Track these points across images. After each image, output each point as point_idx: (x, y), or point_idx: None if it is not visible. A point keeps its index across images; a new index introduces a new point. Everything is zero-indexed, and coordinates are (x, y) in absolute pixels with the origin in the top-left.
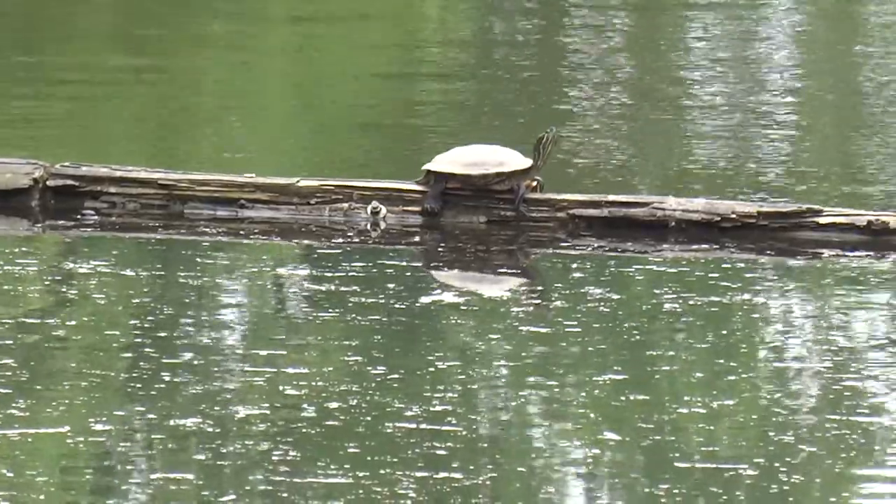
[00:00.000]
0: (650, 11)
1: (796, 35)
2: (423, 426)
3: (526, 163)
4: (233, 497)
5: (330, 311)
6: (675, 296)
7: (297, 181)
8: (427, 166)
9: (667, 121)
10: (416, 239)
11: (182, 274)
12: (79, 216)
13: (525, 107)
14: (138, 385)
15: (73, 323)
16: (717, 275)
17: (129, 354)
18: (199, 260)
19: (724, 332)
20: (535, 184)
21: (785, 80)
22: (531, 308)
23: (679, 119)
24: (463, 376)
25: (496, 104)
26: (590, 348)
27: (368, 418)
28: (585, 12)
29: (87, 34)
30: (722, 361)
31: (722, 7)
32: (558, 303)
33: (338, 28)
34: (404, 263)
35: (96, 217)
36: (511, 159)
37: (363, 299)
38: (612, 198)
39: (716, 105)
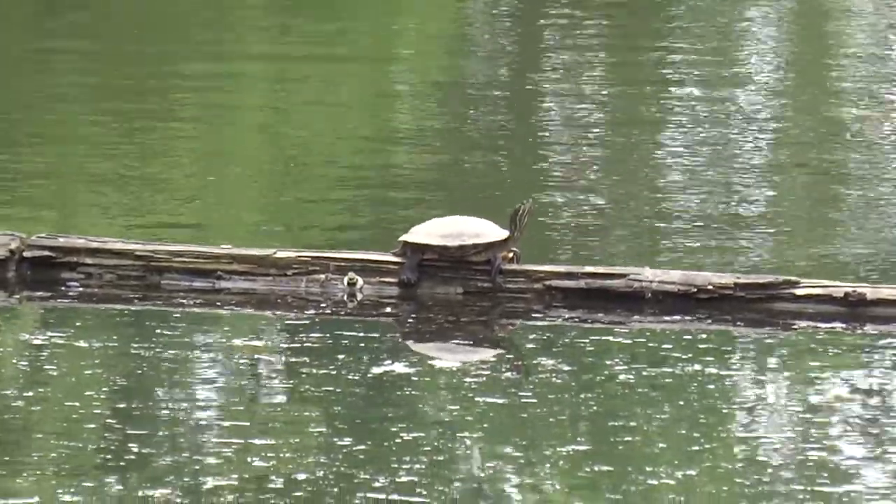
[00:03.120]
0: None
1: (772, 90)
2: (392, 496)
3: (503, 234)
4: None
5: (293, 382)
6: (640, 366)
7: (274, 252)
8: (404, 238)
9: (643, 188)
10: (389, 310)
11: (152, 345)
12: (63, 287)
13: (502, 177)
14: (108, 456)
15: (40, 394)
16: (684, 346)
17: (97, 426)
18: (169, 332)
19: (684, 402)
20: (511, 255)
21: (761, 141)
22: (487, 378)
23: (655, 182)
24: (428, 447)
25: (473, 174)
26: (550, 419)
27: (336, 490)
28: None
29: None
30: (684, 433)
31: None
32: (513, 374)
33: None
34: (373, 335)
35: (80, 288)
36: (488, 231)
37: (327, 370)
38: (588, 269)
39: (693, 169)
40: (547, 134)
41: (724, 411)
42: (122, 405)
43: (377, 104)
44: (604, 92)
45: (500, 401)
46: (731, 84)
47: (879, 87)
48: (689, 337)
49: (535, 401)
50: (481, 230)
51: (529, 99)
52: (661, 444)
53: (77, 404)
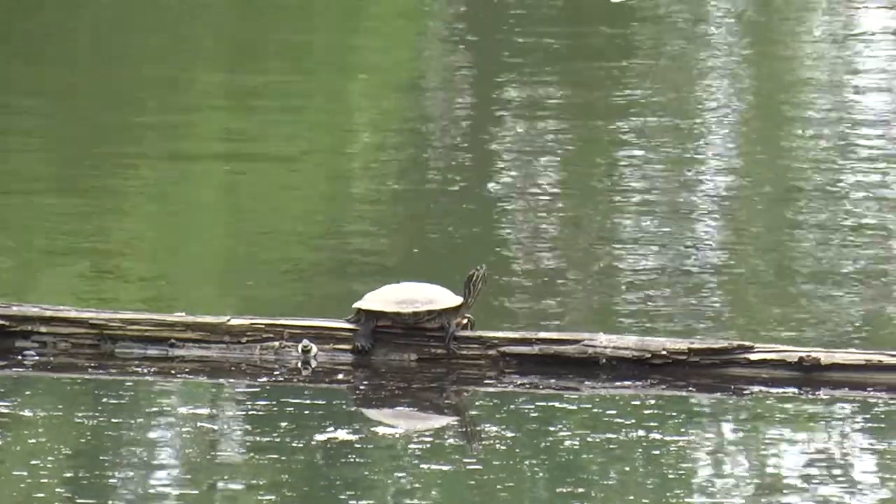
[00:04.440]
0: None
1: (727, 163)
2: None
3: (456, 300)
4: None
5: (240, 450)
6: (585, 432)
7: (228, 320)
8: (357, 304)
9: (598, 253)
10: (342, 377)
11: (101, 414)
12: (18, 356)
13: (456, 243)
14: None
15: None
16: (636, 412)
17: (43, 495)
18: (118, 401)
19: (632, 469)
20: (465, 321)
21: (715, 210)
22: (431, 445)
23: (609, 250)
24: None
25: (426, 240)
26: (498, 486)
27: None
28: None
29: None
30: (632, 498)
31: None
32: (457, 440)
33: (267, 166)
34: (320, 402)
35: (35, 357)
36: (441, 297)
37: (271, 438)
38: (542, 335)
39: (646, 235)
40: (502, 198)
41: (674, 477)
42: (69, 474)
43: (332, 167)
44: (557, 159)
45: (445, 468)
46: (689, 139)
47: (839, 152)
48: (639, 402)
49: (480, 467)
50: (435, 296)
51: (483, 164)
52: None
53: (25, 473)
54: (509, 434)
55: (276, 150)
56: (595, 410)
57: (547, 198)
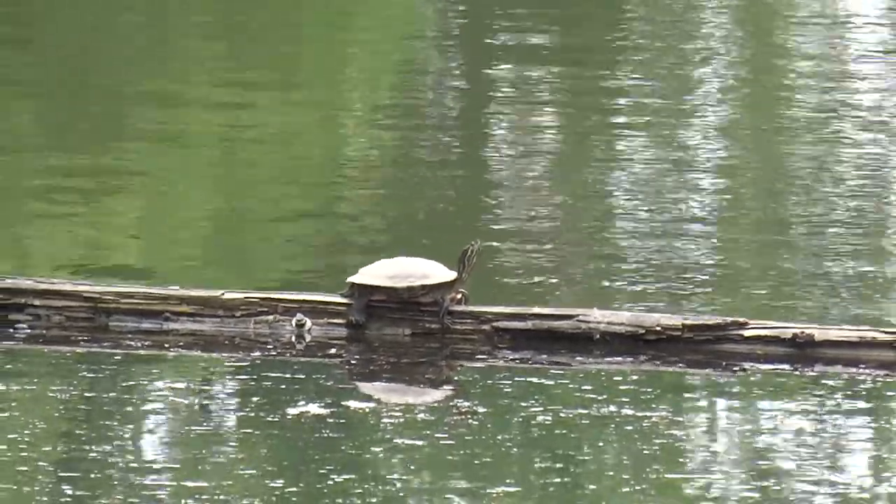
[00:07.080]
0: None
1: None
2: None
3: (450, 275)
4: None
5: (221, 423)
6: (557, 407)
7: (222, 293)
8: (352, 279)
9: (591, 230)
10: (335, 351)
11: (87, 388)
12: (11, 329)
13: (450, 217)
14: (43, 498)
15: None
16: (628, 387)
17: (27, 468)
18: (103, 374)
19: (603, 444)
20: (459, 296)
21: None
22: (404, 420)
23: (602, 228)
24: (360, 490)
25: (421, 214)
26: (475, 462)
27: None
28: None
29: None
30: (612, 474)
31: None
32: (432, 415)
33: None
34: (300, 377)
35: (28, 330)
36: (436, 272)
37: (250, 413)
38: (536, 310)
39: (640, 215)
40: (497, 173)
41: (649, 453)
42: (48, 448)
43: (326, 141)
44: (553, 133)
45: (418, 443)
46: (682, 126)
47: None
48: (622, 378)
49: (453, 442)
50: (429, 271)
51: (479, 137)
52: (590, 486)
53: (5, 447)
54: (482, 409)
55: (270, 119)
56: (571, 386)
57: (544, 173)
